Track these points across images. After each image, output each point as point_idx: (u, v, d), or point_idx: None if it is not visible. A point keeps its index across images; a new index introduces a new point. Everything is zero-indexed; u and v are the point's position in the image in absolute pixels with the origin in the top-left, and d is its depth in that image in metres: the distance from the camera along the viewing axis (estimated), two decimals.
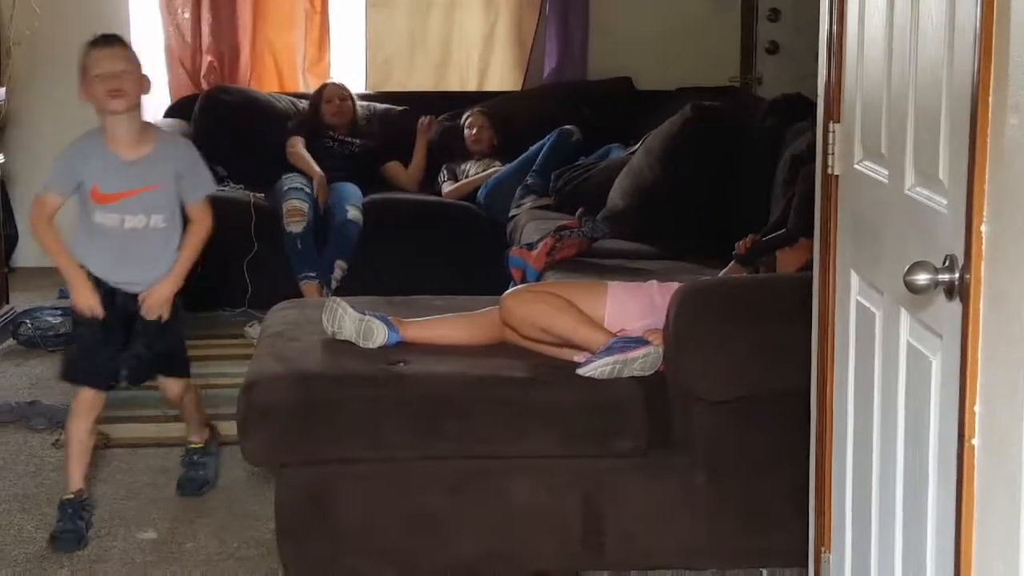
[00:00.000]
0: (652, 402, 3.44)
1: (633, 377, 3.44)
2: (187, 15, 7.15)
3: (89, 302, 3.76)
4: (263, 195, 6.25)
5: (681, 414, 3.44)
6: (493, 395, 3.44)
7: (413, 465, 3.42)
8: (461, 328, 3.72)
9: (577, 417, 3.42)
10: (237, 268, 6.05)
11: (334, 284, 5.96)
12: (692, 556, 3.47)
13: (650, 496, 3.45)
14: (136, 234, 3.82)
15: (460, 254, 6.10)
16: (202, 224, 3.93)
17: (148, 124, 3.97)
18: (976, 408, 1.96)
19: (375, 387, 3.45)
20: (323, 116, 6.60)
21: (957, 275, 2.00)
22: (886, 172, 2.45)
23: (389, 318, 3.69)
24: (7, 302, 5.94)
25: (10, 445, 4.51)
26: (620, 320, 3.60)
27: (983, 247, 1.91)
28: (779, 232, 4.32)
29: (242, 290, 6.06)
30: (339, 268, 6.04)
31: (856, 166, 2.64)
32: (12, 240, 6.75)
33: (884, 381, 2.46)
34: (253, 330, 5.39)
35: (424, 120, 6.79)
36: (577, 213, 5.63)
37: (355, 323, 3.64)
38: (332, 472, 3.44)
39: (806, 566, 2.98)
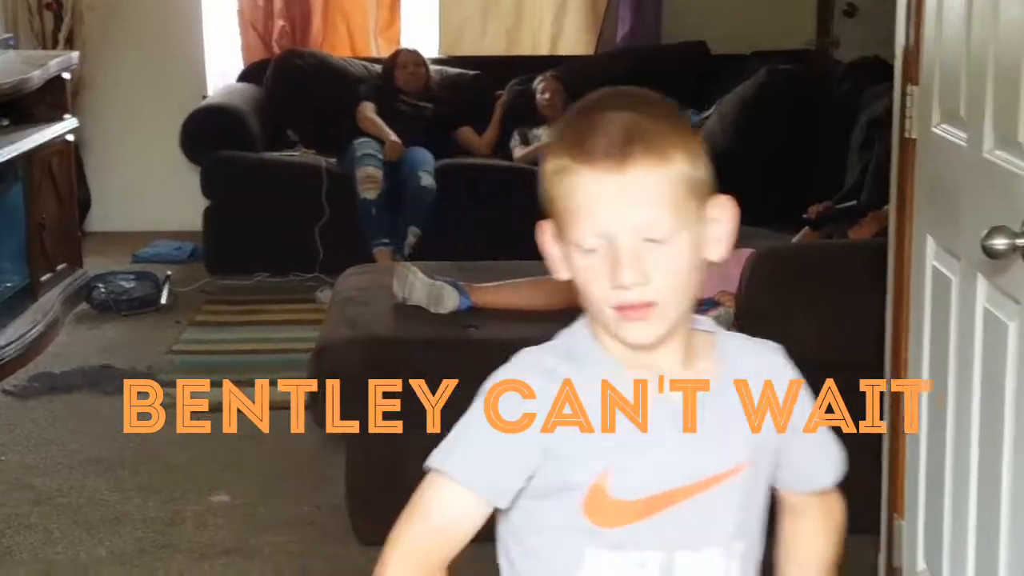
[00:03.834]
0: None
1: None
2: None
3: None
4: (335, 160, 6.26)
5: None
6: None
7: None
8: (533, 293, 3.70)
9: None
10: (309, 233, 6.06)
11: (407, 251, 5.96)
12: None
13: None
14: None
15: (532, 219, 6.04)
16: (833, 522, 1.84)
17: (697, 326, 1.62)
18: None
19: (446, 352, 3.45)
20: (396, 81, 6.59)
21: None
22: (964, 135, 2.40)
23: (460, 283, 3.68)
24: (81, 266, 6.00)
25: (84, 409, 4.56)
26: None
27: None
28: (850, 203, 4.27)
29: (314, 255, 6.07)
30: (412, 235, 6.03)
31: (934, 129, 2.59)
32: (85, 204, 6.81)
33: (960, 347, 2.42)
34: (324, 295, 5.41)
35: (501, 100, 6.77)
36: None
37: (426, 288, 3.64)
38: (402, 436, 3.44)
39: (879, 533, 2.95)
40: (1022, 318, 2.10)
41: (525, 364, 1.51)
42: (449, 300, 3.62)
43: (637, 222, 1.39)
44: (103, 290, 5.70)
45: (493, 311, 3.66)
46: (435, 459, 1.53)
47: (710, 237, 1.45)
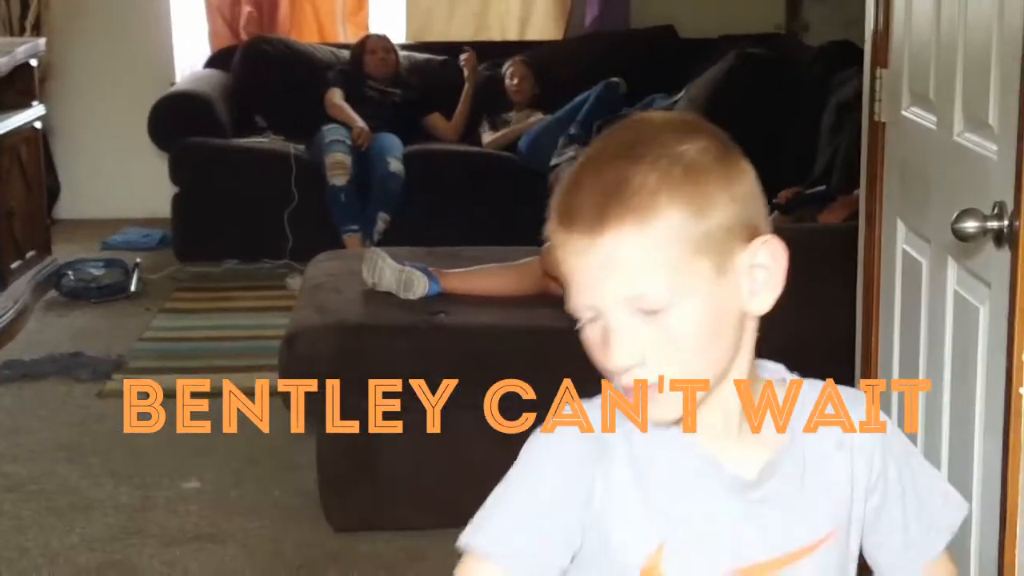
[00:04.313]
0: None
1: None
2: None
3: None
4: (303, 146, 6.24)
5: None
6: (534, 347, 3.44)
7: (456, 415, 3.42)
8: (502, 278, 3.71)
9: None
10: (278, 220, 6.05)
11: (376, 237, 5.95)
12: None
13: None
14: None
15: (501, 204, 6.08)
16: None
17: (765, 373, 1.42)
18: None
19: (416, 338, 3.45)
20: (365, 67, 6.57)
21: (1006, 222, 1.97)
22: (934, 118, 2.41)
23: (430, 269, 3.68)
24: (50, 254, 5.96)
25: (55, 396, 4.54)
26: None
27: None
28: (820, 188, 4.28)
29: (283, 241, 6.06)
30: (382, 220, 6.03)
31: (903, 113, 2.60)
32: (54, 192, 6.78)
33: (930, 330, 2.43)
34: (294, 282, 5.39)
35: (465, 56, 6.73)
36: None
37: (395, 274, 3.64)
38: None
39: None
40: (992, 301, 2.11)
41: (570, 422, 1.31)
42: (418, 286, 3.62)
43: (624, 294, 1.19)
44: (72, 277, 5.67)
45: (463, 296, 3.67)
46: (466, 535, 1.33)
47: (750, 288, 1.24)
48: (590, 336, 1.24)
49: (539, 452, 1.31)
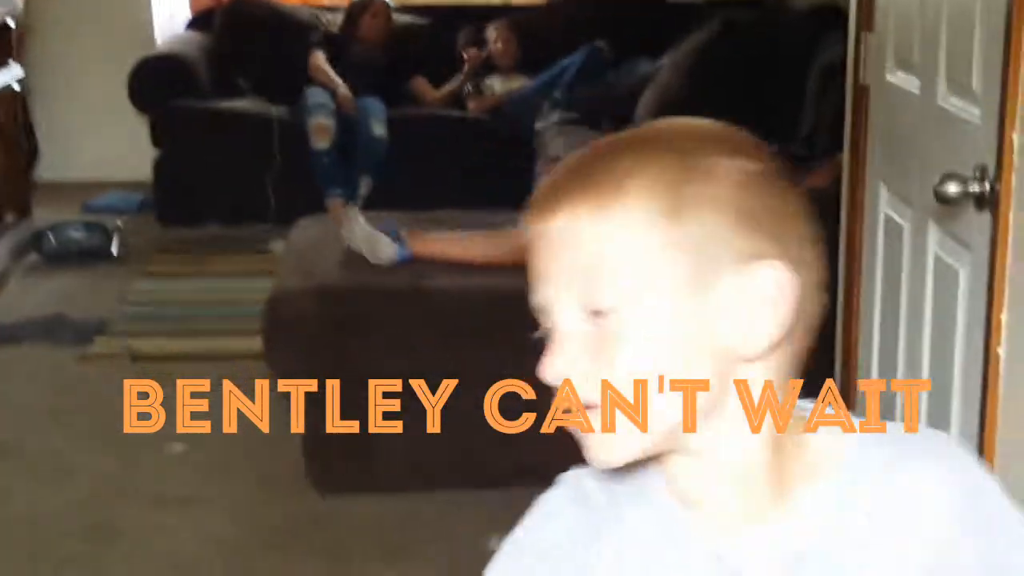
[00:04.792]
0: None
1: None
2: None
3: None
4: (287, 109, 6.22)
5: None
6: (519, 311, 3.44)
7: (444, 381, 3.43)
8: (474, 245, 3.64)
9: None
10: (260, 183, 6.03)
11: (360, 201, 5.93)
12: None
13: None
14: None
15: (485, 168, 6.07)
16: None
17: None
18: (1003, 317, 1.95)
19: (399, 303, 3.45)
20: (360, 28, 6.52)
21: (988, 185, 1.98)
22: (918, 82, 2.41)
23: (400, 233, 3.63)
24: (29, 217, 5.94)
25: (36, 359, 4.53)
26: None
27: (1015, 157, 1.89)
28: (805, 152, 4.28)
29: (265, 205, 6.04)
30: (365, 184, 6.02)
31: (888, 77, 2.60)
32: (33, 154, 6.74)
33: (911, 293, 2.44)
34: (277, 245, 5.38)
35: (470, 53, 6.69)
36: (604, 129, 5.58)
37: (364, 235, 3.60)
38: (360, 387, 3.45)
39: None
40: (973, 264, 2.12)
41: (564, 484, 1.16)
42: (385, 252, 3.57)
43: (569, 282, 0.99)
44: (53, 241, 5.65)
45: (441, 263, 3.64)
46: None
47: (740, 320, 0.98)
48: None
49: (533, 528, 1.16)
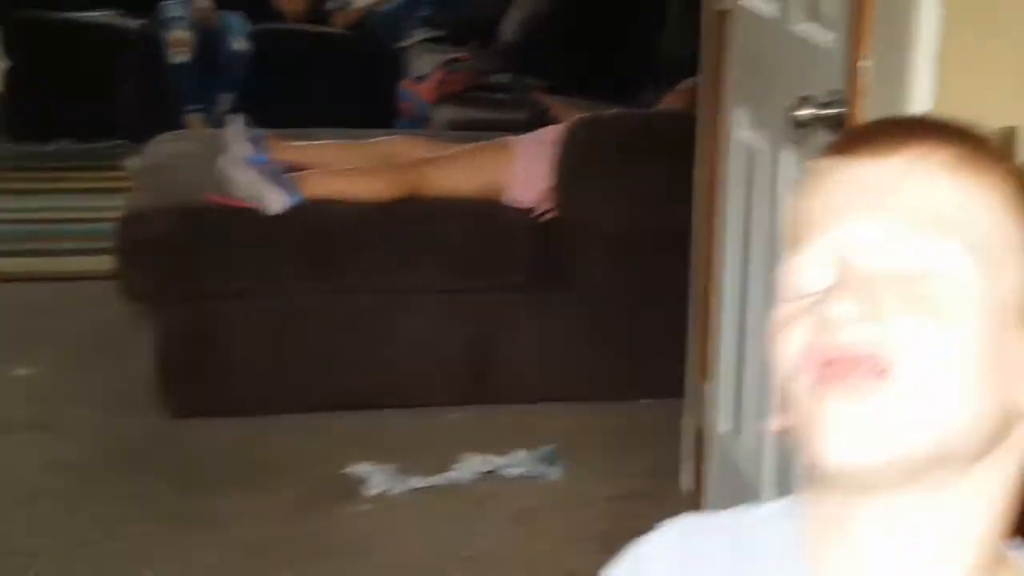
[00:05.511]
0: (542, 237, 3.43)
1: (526, 212, 3.42)
2: None
3: None
4: (143, 20, 6.05)
5: (570, 249, 3.43)
6: (382, 229, 3.41)
7: (301, 299, 3.40)
8: (370, 181, 3.46)
9: (466, 250, 3.42)
10: (115, 97, 5.89)
11: (219, 117, 5.81)
12: (577, 389, 3.49)
13: (537, 330, 3.47)
14: None
15: (349, 85, 5.99)
16: None
17: None
18: None
19: (262, 221, 3.39)
20: None
21: (840, 110, 1.99)
22: (774, 7, 2.41)
23: (288, 177, 3.47)
24: None
25: None
26: (530, 183, 3.48)
27: (865, 82, 1.89)
28: (662, 74, 4.29)
29: (121, 121, 5.89)
30: (226, 100, 5.90)
31: (742, 2, 2.60)
32: None
33: (769, 217, 2.46)
34: (133, 162, 5.25)
35: None
36: (469, 45, 5.53)
37: (249, 187, 3.44)
38: (215, 307, 3.40)
39: (684, 396, 3.02)
40: None
41: (659, 543, 0.94)
42: (275, 202, 3.36)
43: (904, 218, 0.81)
44: None
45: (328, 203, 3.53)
46: None
47: None
48: (792, 316, 0.83)
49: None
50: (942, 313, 0.79)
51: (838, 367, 0.78)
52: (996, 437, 0.81)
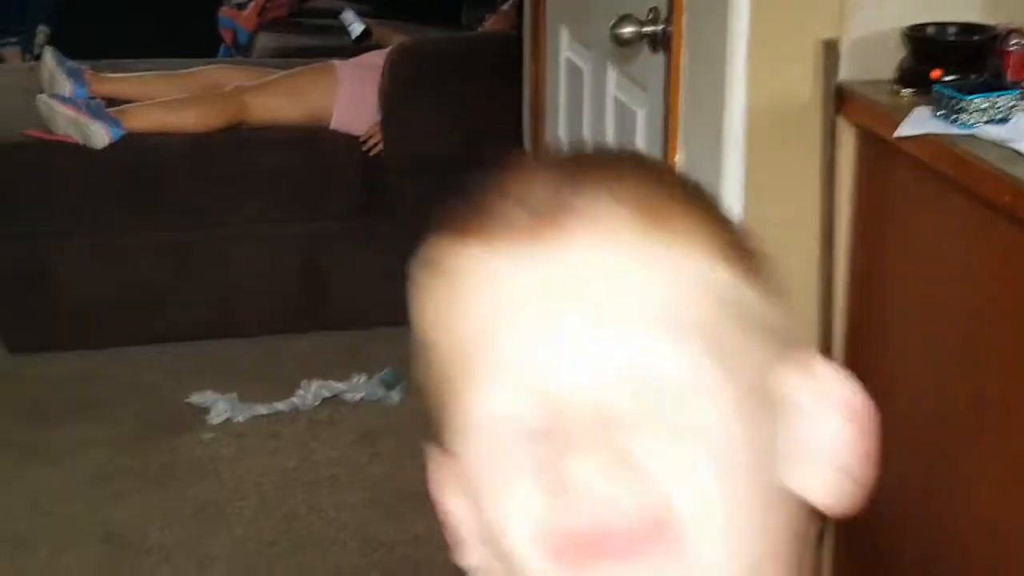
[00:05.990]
0: (368, 165, 3.45)
1: (352, 139, 3.44)
2: None
3: None
4: None
5: (396, 177, 3.45)
6: (206, 161, 3.40)
7: (129, 234, 3.38)
8: (188, 112, 3.44)
9: (291, 180, 3.42)
10: None
11: (37, 49, 5.67)
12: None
13: (370, 257, 3.49)
14: None
15: (168, 12, 5.88)
16: None
17: None
18: (678, 157, 2.03)
19: (85, 155, 3.34)
20: None
21: (661, 27, 2.05)
22: None
23: (108, 112, 3.44)
24: None
25: None
26: (355, 109, 3.48)
27: None
28: None
29: None
30: (42, 32, 5.75)
31: None
32: None
33: (593, 135, 2.51)
34: None
35: None
36: None
37: (71, 124, 3.38)
38: (44, 243, 3.36)
39: None
40: (650, 105, 2.20)
41: None
42: (97, 137, 3.35)
43: (606, 355, 0.61)
44: None
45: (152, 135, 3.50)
46: None
47: (800, 440, 0.66)
48: (496, 464, 0.63)
49: None
50: (704, 434, 0.61)
51: (605, 546, 0.60)
52: (788, 533, 0.66)
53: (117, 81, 3.63)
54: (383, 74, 3.46)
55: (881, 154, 1.79)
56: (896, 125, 1.66)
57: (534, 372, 0.61)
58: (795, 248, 1.86)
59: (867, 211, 1.87)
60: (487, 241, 0.64)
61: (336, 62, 3.65)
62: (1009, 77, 1.72)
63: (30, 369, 3.32)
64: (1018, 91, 1.63)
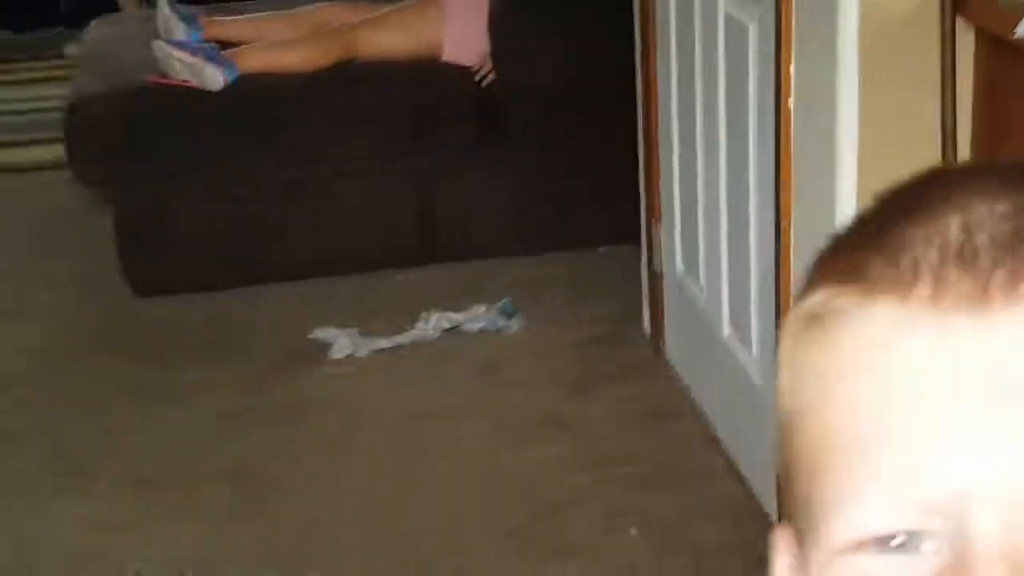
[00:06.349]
0: (481, 96, 3.43)
1: (464, 71, 3.42)
2: None
3: None
4: None
5: (511, 106, 3.43)
6: (320, 98, 3.41)
7: (246, 173, 3.41)
8: (304, 51, 3.44)
9: (404, 113, 3.41)
10: None
11: None
12: (527, 243, 3.50)
13: (482, 189, 3.48)
14: None
15: None
16: None
17: None
18: (791, 69, 1.99)
19: (205, 99, 3.38)
20: None
21: None
22: None
23: (221, 54, 3.44)
24: None
25: None
26: (465, 41, 3.46)
27: None
28: None
29: (54, 7, 5.81)
30: None
31: None
32: None
33: (704, 52, 2.48)
34: (72, 49, 5.19)
35: None
36: None
37: (187, 68, 3.41)
38: (165, 186, 3.41)
39: (640, 241, 3.05)
40: (761, 19, 2.15)
41: None
42: (213, 80, 3.37)
43: None
44: None
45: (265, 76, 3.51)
46: None
47: None
48: None
49: None
50: None
51: None
52: None
53: (230, 24, 3.66)
54: (491, 2, 3.43)
55: (1002, 57, 1.73)
56: (1017, 23, 1.59)
57: (941, 489, 0.47)
58: (914, 161, 1.81)
59: (989, 119, 1.81)
60: (903, 300, 0.48)
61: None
62: None
63: (153, 313, 3.36)
64: None
